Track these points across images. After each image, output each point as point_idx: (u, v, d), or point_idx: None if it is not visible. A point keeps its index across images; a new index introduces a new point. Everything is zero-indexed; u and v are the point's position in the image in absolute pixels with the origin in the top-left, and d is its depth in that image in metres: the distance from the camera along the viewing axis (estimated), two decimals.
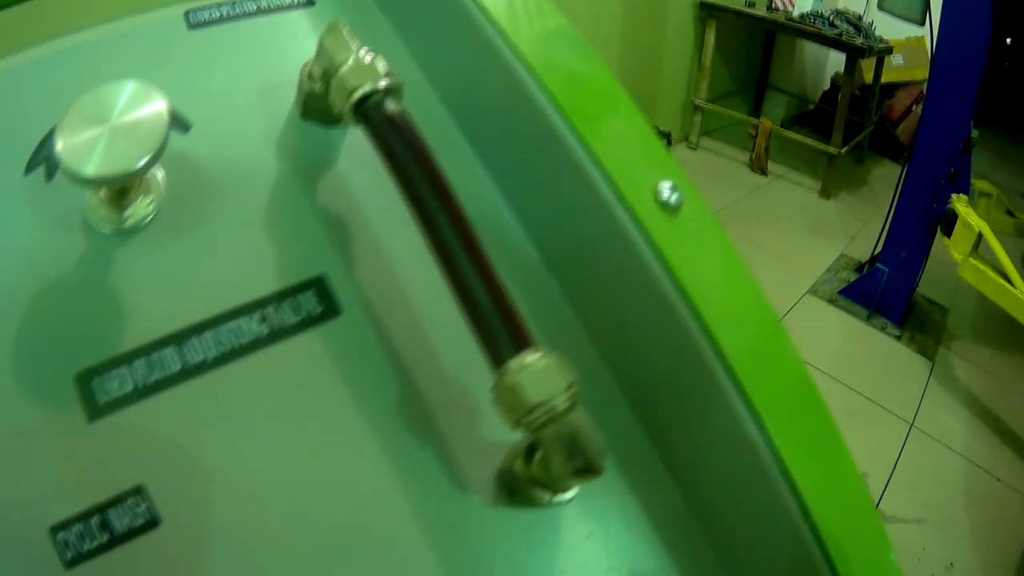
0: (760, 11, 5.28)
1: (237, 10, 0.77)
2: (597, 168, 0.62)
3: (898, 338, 3.69)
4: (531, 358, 0.49)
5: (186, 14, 0.75)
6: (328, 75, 0.60)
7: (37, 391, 0.56)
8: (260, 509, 0.55)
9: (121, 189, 0.60)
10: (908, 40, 5.76)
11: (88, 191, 0.61)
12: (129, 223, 0.61)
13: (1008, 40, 7.52)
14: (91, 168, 0.53)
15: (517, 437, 0.55)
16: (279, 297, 0.61)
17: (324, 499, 0.56)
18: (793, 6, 5.32)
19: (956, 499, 2.81)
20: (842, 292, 3.93)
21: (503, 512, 0.58)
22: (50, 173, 0.62)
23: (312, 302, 0.62)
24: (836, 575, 0.55)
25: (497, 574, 0.56)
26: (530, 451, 0.54)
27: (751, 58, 6.03)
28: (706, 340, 0.57)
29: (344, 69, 0.58)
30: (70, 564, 0.50)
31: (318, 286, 0.63)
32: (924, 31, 4.68)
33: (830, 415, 0.60)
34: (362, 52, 0.58)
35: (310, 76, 0.65)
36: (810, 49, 6.16)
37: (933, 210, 3.44)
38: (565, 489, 0.56)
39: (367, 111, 0.57)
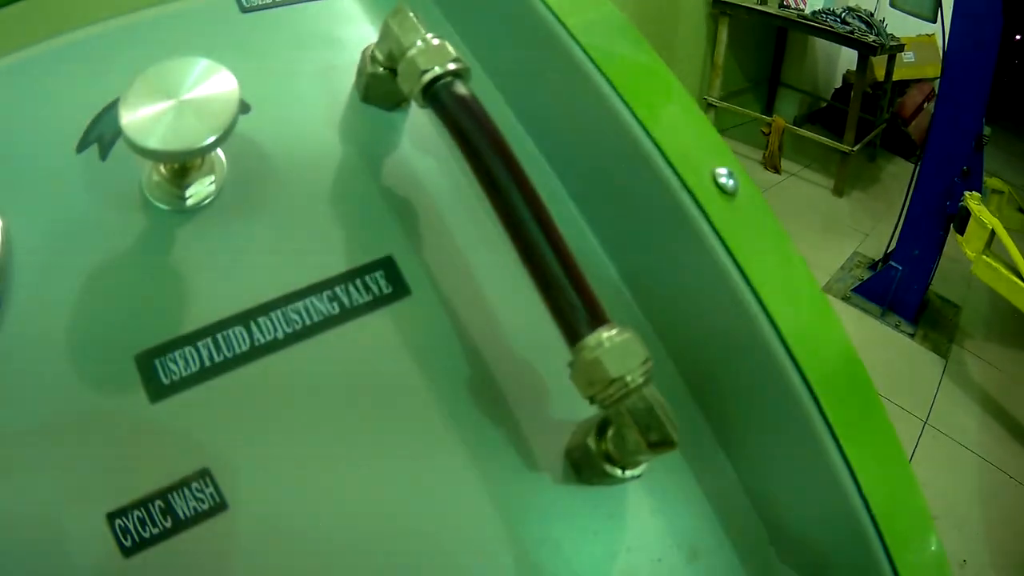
0: (772, 8, 5.27)
1: None
2: (659, 153, 0.62)
3: (911, 336, 3.69)
4: (608, 334, 0.50)
5: None
6: (394, 58, 0.60)
7: (99, 372, 0.55)
8: (329, 493, 0.55)
9: (183, 167, 0.60)
10: (919, 37, 5.74)
11: (148, 168, 0.60)
12: (191, 202, 0.61)
13: (1018, 37, 7.50)
14: (156, 141, 0.52)
15: (585, 415, 0.57)
16: (348, 277, 0.61)
17: (393, 481, 0.56)
18: (805, 3, 5.31)
19: (969, 496, 2.82)
20: (856, 290, 3.94)
21: (572, 489, 0.59)
22: (104, 151, 0.62)
23: (381, 282, 0.62)
24: (888, 555, 0.55)
25: (566, 550, 0.57)
26: (602, 427, 0.55)
27: (763, 56, 6.01)
28: (764, 318, 0.58)
29: (413, 51, 0.58)
30: (129, 552, 0.50)
31: (387, 266, 0.63)
32: (935, 28, 4.67)
33: (877, 394, 0.62)
34: (429, 35, 0.58)
35: (373, 59, 0.65)
36: (822, 46, 6.14)
37: (946, 208, 3.44)
38: (637, 464, 0.56)
39: (437, 93, 0.57)
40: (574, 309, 0.51)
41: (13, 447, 0.52)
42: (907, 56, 5.66)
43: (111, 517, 0.50)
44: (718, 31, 5.22)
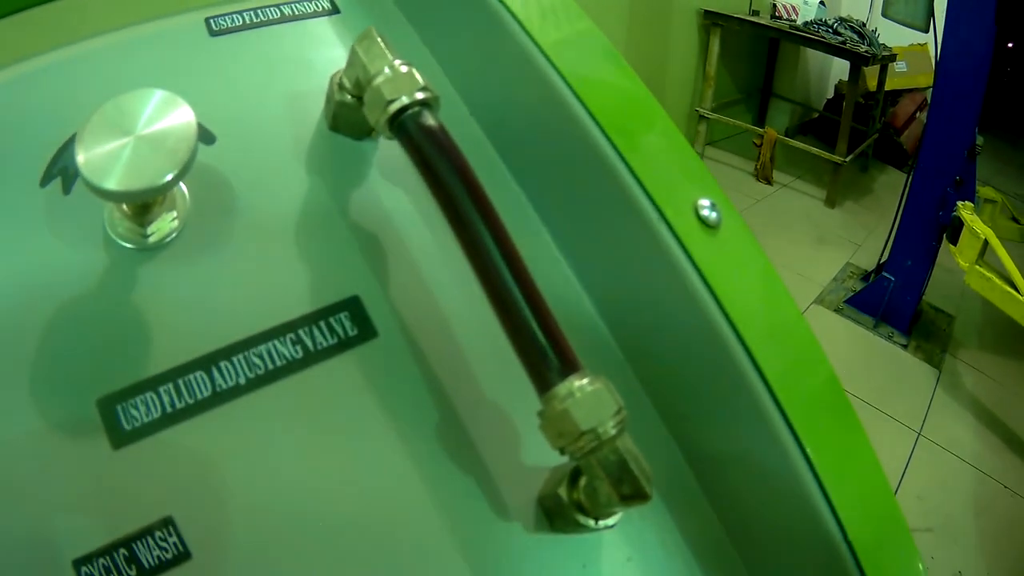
0: (764, 19, 5.29)
1: (260, 17, 0.75)
2: (637, 185, 0.61)
3: (904, 347, 3.69)
4: (579, 383, 0.48)
5: (207, 20, 0.73)
6: (361, 85, 0.57)
7: (59, 416, 0.53)
8: (295, 539, 0.53)
9: (144, 204, 0.58)
10: (911, 47, 5.76)
11: (109, 205, 0.59)
12: (153, 239, 0.59)
13: (1010, 45, 7.52)
14: (113, 182, 0.50)
15: (558, 461, 0.55)
16: (312, 319, 0.60)
17: (361, 528, 0.55)
18: (797, 14, 5.32)
19: (964, 508, 2.80)
20: (848, 301, 3.93)
21: (545, 537, 0.57)
22: (67, 186, 0.60)
23: (347, 323, 0.60)
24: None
25: None
26: (574, 476, 0.54)
27: (755, 67, 6.03)
28: (746, 358, 0.56)
29: (380, 80, 0.55)
30: None
31: (353, 307, 0.61)
32: (927, 38, 4.69)
33: (864, 433, 0.61)
34: (397, 62, 0.56)
35: (340, 86, 0.63)
36: (814, 57, 6.16)
37: (939, 218, 3.43)
38: (610, 515, 0.55)
39: (404, 124, 0.54)
40: (543, 357, 0.49)
41: None
42: (899, 66, 5.68)
43: (76, 564, 0.49)
44: (710, 42, 5.23)
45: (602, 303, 0.68)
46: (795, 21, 5.28)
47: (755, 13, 5.35)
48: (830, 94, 6.30)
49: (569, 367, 0.49)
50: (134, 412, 0.54)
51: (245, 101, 0.68)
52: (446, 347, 0.62)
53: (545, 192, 0.70)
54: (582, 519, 0.54)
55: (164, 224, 0.60)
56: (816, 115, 6.30)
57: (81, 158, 0.50)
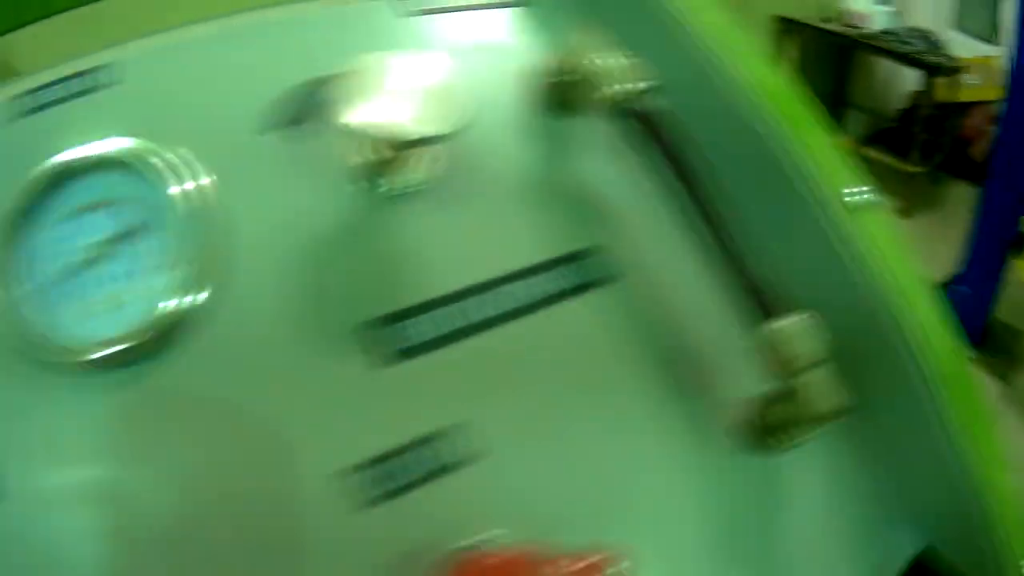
0: (837, 27, 5.24)
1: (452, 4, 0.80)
2: (812, 171, 0.71)
3: (974, 361, 3.62)
4: (795, 317, 0.61)
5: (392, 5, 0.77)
6: (584, 70, 0.66)
7: (323, 343, 0.60)
8: (557, 454, 0.62)
9: (396, 157, 0.62)
10: (981, 58, 5.65)
11: (354, 155, 0.63)
12: (398, 189, 0.65)
13: None
14: (405, 127, 0.55)
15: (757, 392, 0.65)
16: (557, 262, 0.67)
17: (589, 454, 0.64)
18: (868, 22, 5.25)
19: None
20: None
21: (751, 460, 0.67)
22: (294, 130, 0.65)
23: (587, 269, 0.68)
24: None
25: (750, 519, 0.67)
26: (775, 400, 0.64)
27: (827, 76, 5.96)
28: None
29: (607, 63, 0.64)
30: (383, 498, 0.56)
31: (588, 256, 0.69)
32: (996, 50, 4.61)
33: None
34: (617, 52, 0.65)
35: (558, 69, 0.70)
36: (885, 66, 6.07)
37: (1011, 231, 3.39)
38: (813, 430, 0.64)
39: (633, 107, 0.65)
40: (769, 297, 0.63)
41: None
42: (969, 78, 5.58)
43: (376, 460, 0.57)
44: (786, 49, 5.18)
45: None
46: (867, 29, 5.22)
47: (826, 20, 5.30)
48: (902, 104, 6.20)
49: (786, 307, 0.62)
50: (411, 332, 0.61)
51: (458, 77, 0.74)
52: (672, 294, 0.72)
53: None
54: (782, 439, 0.65)
55: (410, 176, 0.66)
56: (888, 125, 6.20)
57: (362, 111, 0.55)
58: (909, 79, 6.01)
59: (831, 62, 5.93)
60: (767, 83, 0.75)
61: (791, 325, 0.61)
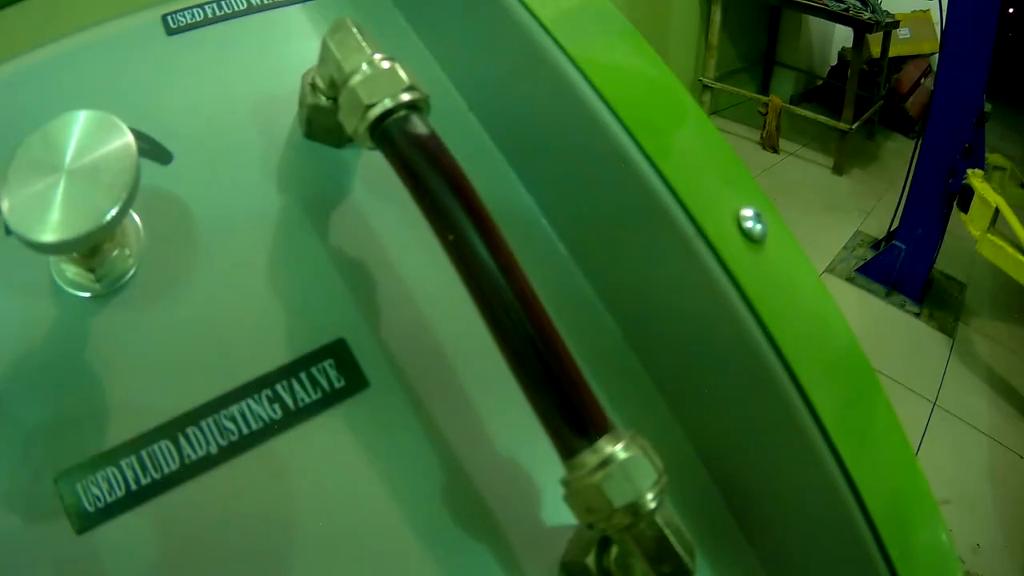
0: None
1: (223, 9, 0.66)
2: (669, 193, 0.52)
3: (917, 315, 3.65)
4: (611, 448, 0.40)
5: (164, 18, 0.64)
6: (336, 85, 0.49)
7: (13, 497, 0.46)
8: None
9: (91, 247, 0.49)
10: (914, 13, 5.69)
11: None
12: (104, 283, 0.51)
13: (1011, 10, 7.43)
14: (48, 232, 0.42)
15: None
16: (292, 370, 0.51)
17: None
18: None
19: (981, 479, 2.78)
20: (860, 270, 3.88)
21: None
22: (8, 227, 0.49)
23: (332, 374, 0.52)
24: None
25: None
26: (604, 544, 0.46)
27: (757, 35, 5.96)
28: (797, 394, 0.49)
29: (356, 79, 0.47)
30: None
31: (338, 353, 0.53)
32: (931, 4, 4.63)
33: (923, 476, 0.54)
34: (377, 56, 0.48)
35: (313, 87, 0.55)
36: (816, 24, 6.09)
37: (949, 186, 3.39)
38: None
39: (387, 132, 0.46)
40: (567, 416, 0.41)
41: None
42: (903, 32, 5.61)
43: None
44: (711, 11, 5.16)
45: (629, 327, 0.59)
46: None
47: None
48: (834, 61, 6.23)
49: (598, 427, 0.41)
50: (95, 490, 0.46)
51: (206, 110, 0.61)
52: (449, 395, 0.54)
53: (559, 201, 0.62)
54: None
55: (117, 264, 0.52)
56: (820, 83, 6.23)
57: (6, 206, 0.43)
58: (840, 36, 6.06)
59: (760, 22, 5.93)
60: (627, 76, 0.58)
61: (609, 462, 0.40)
